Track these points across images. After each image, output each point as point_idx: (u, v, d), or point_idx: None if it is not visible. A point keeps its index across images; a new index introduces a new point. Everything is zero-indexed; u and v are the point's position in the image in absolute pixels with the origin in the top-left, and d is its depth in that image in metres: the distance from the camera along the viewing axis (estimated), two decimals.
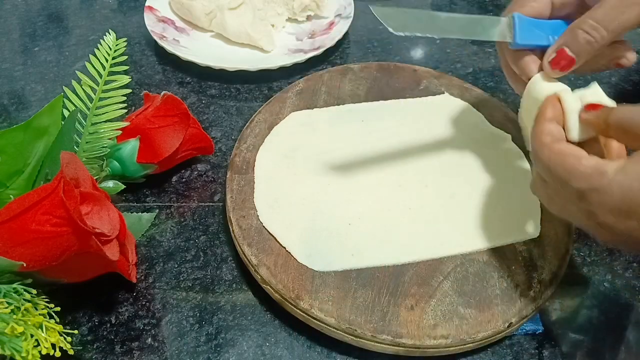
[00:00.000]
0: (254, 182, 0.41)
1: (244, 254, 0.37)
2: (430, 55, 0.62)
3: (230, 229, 0.39)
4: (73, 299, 0.37)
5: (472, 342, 0.34)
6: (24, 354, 0.28)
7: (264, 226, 0.39)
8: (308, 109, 0.48)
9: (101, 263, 0.33)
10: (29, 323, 0.29)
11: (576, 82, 0.37)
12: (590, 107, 0.32)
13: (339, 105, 0.49)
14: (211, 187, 0.46)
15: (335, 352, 0.36)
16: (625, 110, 0.30)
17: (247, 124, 0.46)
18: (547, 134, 0.31)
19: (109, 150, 0.40)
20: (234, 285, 0.39)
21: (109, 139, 0.39)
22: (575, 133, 0.32)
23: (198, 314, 0.37)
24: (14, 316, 0.29)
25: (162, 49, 0.56)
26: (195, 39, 0.59)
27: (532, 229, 0.40)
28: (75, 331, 0.34)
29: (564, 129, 0.32)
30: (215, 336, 0.36)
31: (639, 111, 0.29)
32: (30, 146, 0.36)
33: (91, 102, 0.38)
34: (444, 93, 0.51)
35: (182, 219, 0.43)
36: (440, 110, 0.49)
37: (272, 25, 0.60)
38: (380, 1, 0.70)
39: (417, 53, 0.63)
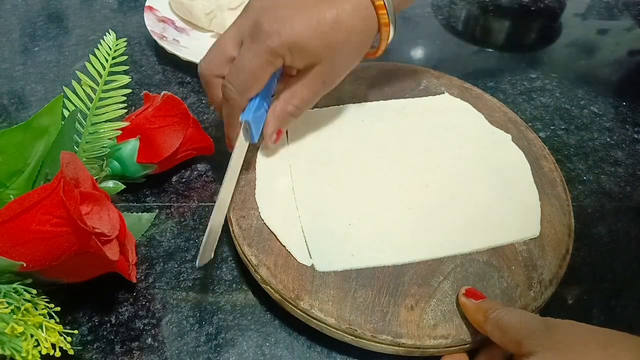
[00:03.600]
0: (254, 182, 0.41)
1: (243, 254, 0.37)
2: (430, 55, 0.62)
3: (230, 229, 0.39)
4: (73, 299, 0.37)
5: (472, 343, 0.34)
6: (24, 354, 0.28)
7: (264, 223, 0.38)
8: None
9: (101, 263, 0.33)
10: (29, 323, 0.29)
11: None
12: (471, 293, 0.34)
13: (339, 105, 0.49)
14: (211, 187, 0.46)
15: (335, 352, 0.36)
16: (510, 311, 0.31)
17: None
18: None
19: (109, 150, 0.40)
20: (234, 285, 0.39)
21: (109, 139, 0.39)
22: None
23: (198, 314, 0.37)
24: (14, 316, 0.29)
25: (162, 49, 0.56)
26: (195, 39, 0.59)
27: (532, 229, 0.40)
28: (75, 331, 0.34)
29: None
30: (215, 336, 0.36)
31: (521, 316, 0.30)
32: (30, 146, 0.36)
33: (91, 102, 0.38)
34: (444, 93, 0.51)
35: (182, 219, 0.43)
36: (440, 110, 0.49)
37: None
38: None
39: (417, 53, 0.63)
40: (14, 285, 0.31)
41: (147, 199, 0.44)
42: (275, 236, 0.38)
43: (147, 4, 0.61)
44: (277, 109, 0.40)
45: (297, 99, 0.40)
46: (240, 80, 0.37)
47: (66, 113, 0.38)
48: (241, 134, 0.39)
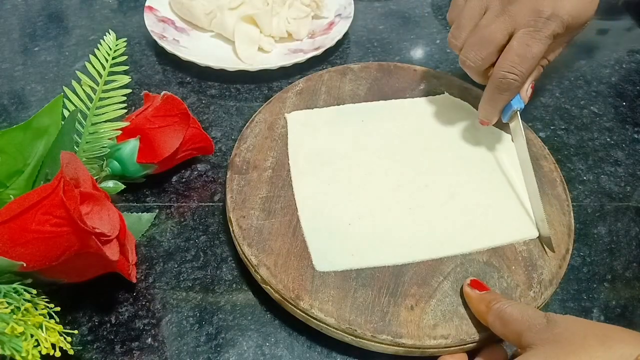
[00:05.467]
0: (254, 182, 0.41)
1: (244, 254, 0.37)
2: (430, 55, 0.62)
3: (230, 229, 0.39)
4: (73, 299, 0.37)
5: (472, 342, 0.34)
6: (24, 354, 0.28)
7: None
8: (308, 109, 0.48)
9: (101, 263, 0.33)
10: (29, 323, 0.29)
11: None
12: (476, 284, 0.35)
13: (339, 105, 0.49)
14: (211, 187, 0.46)
15: (335, 352, 0.36)
16: (513, 304, 0.31)
17: (247, 124, 0.46)
18: None
19: (109, 150, 0.40)
20: (234, 285, 0.39)
21: (109, 139, 0.39)
22: None
23: (198, 314, 0.37)
24: (14, 316, 0.29)
25: (162, 49, 0.56)
26: (195, 39, 0.59)
27: (532, 229, 0.40)
28: (75, 331, 0.34)
29: None
30: (215, 336, 0.36)
31: (523, 309, 0.31)
32: (30, 146, 0.36)
33: (91, 102, 0.38)
34: (444, 93, 0.51)
35: (182, 219, 0.43)
36: (440, 110, 0.49)
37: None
38: (380, 1, 0.70)
39: (417, 53, 0.63)
40: (14, 285, 0.31)
41: (147, 199, 0.44)
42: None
43: (147, 4, 0.61)
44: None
45: (552, 55, 0.44)
46: (526, 68, 0.39)
47: (66, 113, 0.38)
48: (519, 122, 0.42)
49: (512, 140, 0.44)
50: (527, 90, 0.42)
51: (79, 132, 0.38)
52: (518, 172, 0.44)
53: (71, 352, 0.31)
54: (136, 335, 0.36)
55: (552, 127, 0.53)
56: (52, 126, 0.37)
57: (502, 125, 0.47)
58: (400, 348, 0.34)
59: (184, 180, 0.46)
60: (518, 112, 0.42)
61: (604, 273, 0.41)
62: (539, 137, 0.47)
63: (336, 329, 0.34)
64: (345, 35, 0.60)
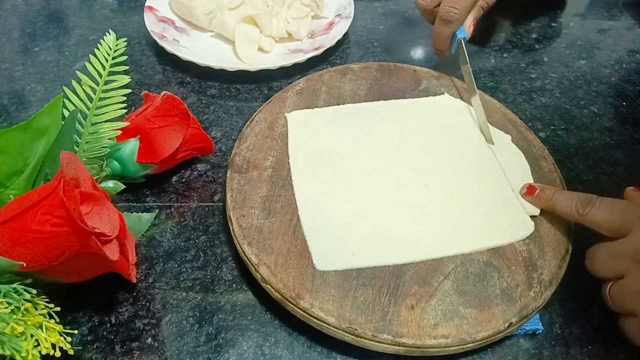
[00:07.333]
0: (254, 181, 0.41)
1: (244, 253, 0.37)
2: (430, 56, 0.62)
3: (231, 228, 0.39)
4: (73, 299, 0.37)
5: (473, 342, 0.34)
6: (24, 354, 0.28)
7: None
8: (308, 108, 0.48)
9: (101, 263, 0.33)
10: (29, 323, 0.29)
11: None
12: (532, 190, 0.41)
13: (339, 105, 0.49)
14: (211, 187, 0.46)
15: (335, 352, 0.36)
16: (601, 205, 0.37)
17: (248, 123, 0.46)
18: None
19: (109, 150, 0.40)
20: (234, 285, 0.39)
21: (109, 139, 0.39)
22: None
23: (198, 314, 0.37)
24: (14, 316, 0.29)
25: (162, 49, 0.56)
26: (195, 39, 0.59)
27: (529, 227, 0.40)
28: (75, 331, 0.34)
29: None
30: (215, 336, 0.36)
31: (613, 204, 0.37)
32: (30, 146, 0.36)
33: (91, 102, 0.38)
34: (444, 93, 0.51)
35: (182, 219, 0.43)
36: (440, 111, 0.49)
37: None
38: (380, 1, 0.70)
39: (417, 53, 0.63)
40: (14, 285, 0.31)
41: (147, 199, 0.44)
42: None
43: (147, 4, 0.61)
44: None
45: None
46: (465, 3, 0.50)
47: (66, 113, 0.38)
48: (463, 49, 0.51)
49: (460, 66, 0.52)
50: (470, 26, 0.52)
51: (79, 132, 0.38)
52: (517, 172, 0.44)
53: (71, 352, 0.31)
54: (136, 335, 0.36)
55: (552, 127, 0.53)
56: (52, 126, 0.37)
57: (501, 126, 0.48)
58: (401, 347, 0.34)
59: (184, 180, 0.46)
60: (462, 41, 0.51)
61: None
62: (539, 137, 0.47)
63: (337, 328, 0.34)
64: (345, 35, 0.60)
